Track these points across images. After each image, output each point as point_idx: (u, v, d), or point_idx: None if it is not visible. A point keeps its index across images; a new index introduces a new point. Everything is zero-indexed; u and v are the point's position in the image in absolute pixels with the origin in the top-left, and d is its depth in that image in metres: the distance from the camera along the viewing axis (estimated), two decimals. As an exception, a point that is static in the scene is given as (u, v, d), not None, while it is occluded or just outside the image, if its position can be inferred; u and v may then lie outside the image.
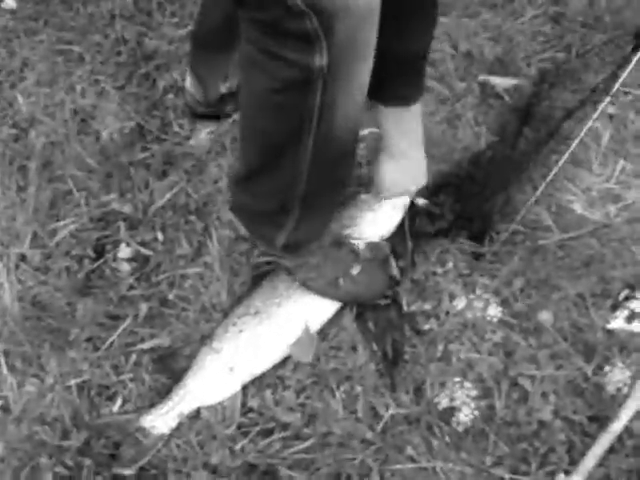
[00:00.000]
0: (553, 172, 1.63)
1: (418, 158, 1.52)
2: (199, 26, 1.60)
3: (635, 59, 1.38)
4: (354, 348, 1.55)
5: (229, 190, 1.57)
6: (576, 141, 1.62)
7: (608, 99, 1.43)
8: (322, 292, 1.51)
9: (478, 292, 1.57)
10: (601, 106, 1.44)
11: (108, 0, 1.94)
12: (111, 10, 1.93)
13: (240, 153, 1.36)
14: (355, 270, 1.50)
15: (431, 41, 1.31)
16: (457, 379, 1.50)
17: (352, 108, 1.16)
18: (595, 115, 1.45)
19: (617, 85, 1.41)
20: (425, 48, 1.31)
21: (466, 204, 1.65)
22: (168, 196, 1.66)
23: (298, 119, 1.14)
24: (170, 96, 1.80)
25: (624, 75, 1.39)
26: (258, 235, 1.51)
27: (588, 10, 2.01)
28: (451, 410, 1.47)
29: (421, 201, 1.63)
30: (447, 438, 1.46)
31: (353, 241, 1.58)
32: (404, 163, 1.50)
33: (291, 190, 1.29)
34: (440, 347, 1.54)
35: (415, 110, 1.40)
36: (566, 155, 1.63)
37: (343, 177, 1.37)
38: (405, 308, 1.59)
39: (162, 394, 1.49)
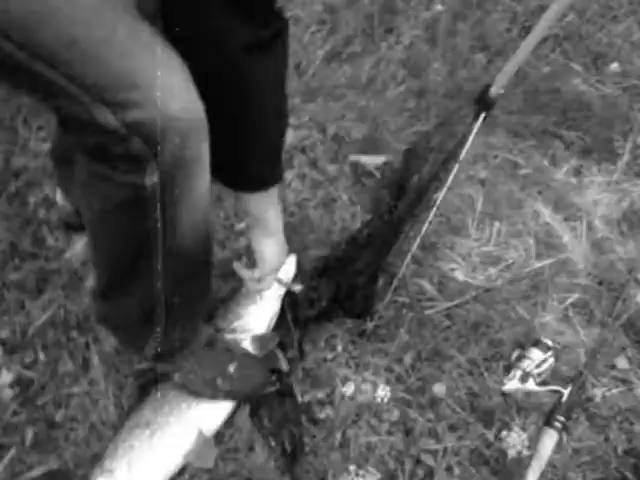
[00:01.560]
0: (417, 239, 1.65)
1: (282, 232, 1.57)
2: (56, 143, 1.59)
3: (477, 126, 1.42)
4: (251, 448, 1.51)
5: (93, 303, 1.54)
6: (433, 209, 1.65)
7: (457, 166, 1.46)
8: (201, 394, 1.49)
9: (366, 374, 1.56)
10: (452, 172, 1.47)
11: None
12: (-26, 132, 1.90)
13: (93, 271, 1.34)
14: (231, 368, 1.48)
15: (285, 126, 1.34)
16: (356, 467, 1.47)
17: (197, 218, 1.16)
18: (448, 181, 1.48)
19: (464, 151, 1.44)
20: (280, 134, 1.34)
21: (345, 284, 1.65)
22: (46, 315, 1.61)
23: (140, 239, 1.14)
24: (42, 211, 1.77)
25: (468, 142, 1.43)
26: (128, 345, 1.49)
27: (448, 81, 2.09)
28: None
29: (297, 287, 1.63)
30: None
31: (240, 336, 1.57)
32: (280, 238, 1.54)
33: (149, 302, 1.28)
34: (338, 435, 1.53)
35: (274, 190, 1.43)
36: (427, 221, 1.65)
37: (203, 283, 1.37)
38: (300, 399, 1.57)
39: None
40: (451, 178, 1.46)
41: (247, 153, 1.28)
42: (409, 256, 1.60)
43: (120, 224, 1.12)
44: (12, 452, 1.48)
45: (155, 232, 1.11)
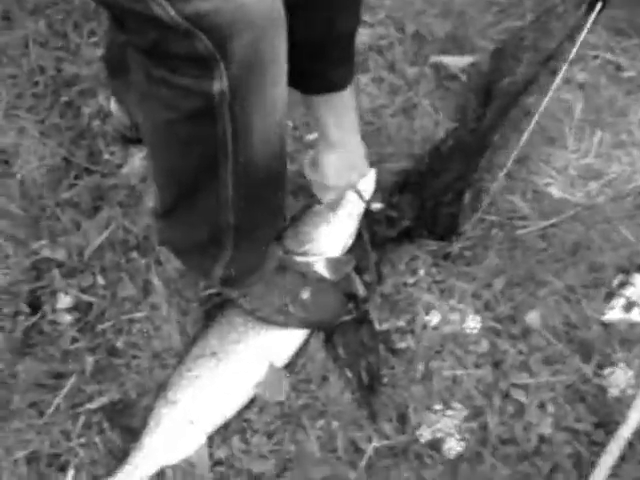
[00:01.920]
0: (514, 152, 1.47)
1: (356, 146, 1.40)
2: (108, 49, 1.44)
3: (591, 19, 1.21)
4: (325, 378, 1.40)
5: (155, 224, 1.42)
6: (535, 117, 1.46)
7: (565, 66, 1.26)
8: (271, 321, 1.38)
9: (452, 302, 1.41)
10: (559, 74, 1.27)
11: (19, 28, 1.77)
12: (24, 37, 1.76)
13: (155, 190, 1.21)
14: (304, 294, 1.36)
15: (358, 19, 1.20)
16: (439, 404, 1.34)
17: (270, 130, 1.02)
18: (553, 85, 1.29)
19: (574, 50, 1.24)
20: (352, 27, 1.20)
21: (429, 201, 1.49)
22: (104, 235, 1.50)
23: (208, 152, 1.01)
24: (97, 123, 1.64)
25: (580, 38, 1.22)
26: (193, 269, 1.39)
27: (542, -29, 1.85)
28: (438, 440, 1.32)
29: (376, 205, 1.47)
30: (440, 467, 1.31)
31: (312, 259, 1.43)
32: (343, 153, 1.38)
33: (218, 222, 1.16)
34: (420, 366, 1.39)
35: (348, 95, 1.25)
36: (526, 133, 1.47)
37: (276, 203, 1.23)
38: (377, 327, 1.43)
39: (119, 457, 1.33)
40: (558, 81, 1.26)
41: (312, 50, 1.14)
42: (505, 171, 1.41)
43: (184, 136, 0.99)
44: (72, 381, 1.40)
45: (224, 145, 0.98)
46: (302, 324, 1.39)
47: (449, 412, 1.34)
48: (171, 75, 0.89)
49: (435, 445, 1.32)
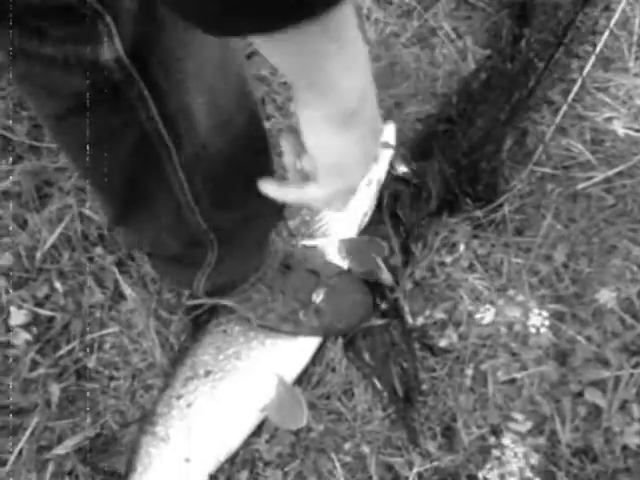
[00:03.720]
0: (578, 83, 1.15)
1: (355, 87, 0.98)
2: None
3: None
4: (349, 392, 1.13)
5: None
6: (605, 35, 1.13)
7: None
8: (280, 331, 1.11)
9: (502, 281, 1.11)
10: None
11: None
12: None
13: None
14: (318, 297, 1.06)
15: None
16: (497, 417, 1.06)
17: (221, 98, 0.70)
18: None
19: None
20: None
21: (464, 155, 1.17)
22: (58, 231, 1.19)
23: (138, 145, 0.70)
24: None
25: None
26: (173, 283, 1.11)
27: None
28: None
29: (401, 168, 1.16)
30: (501, 494, 1.04)
31: (322, 242, 1.13)
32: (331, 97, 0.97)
33: (188, 227, 0.86)
34: (469, 369, 1.10)
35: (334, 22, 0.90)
36: (594, 54, 1.15)
37: (258, 192, 0.91)
38: (410, 321, 1.14)
39: (101, 513, 1.07)
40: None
41: None
42: (563, 111, 1.09)
43: (92, 132, 0.66)
44: (35, 419, 1.12)
45: (155, 131, 0.67)
46: (318, 332, 1.11)
47: (510, 425, 1.06)
48: (41, 44, 0.57)
49: (495, 468, 1.05)
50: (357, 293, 1.11)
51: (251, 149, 0.83)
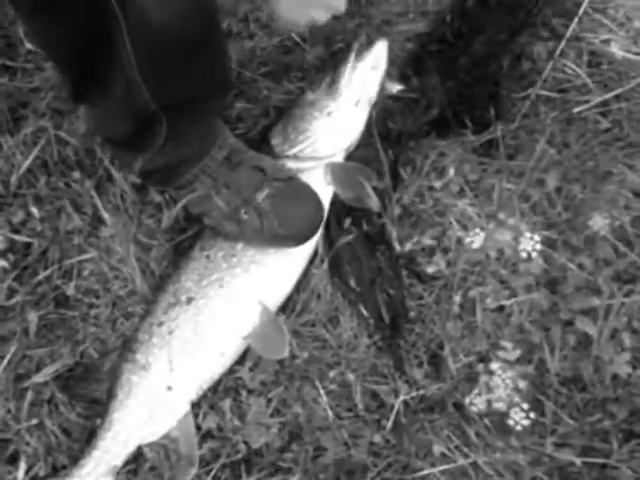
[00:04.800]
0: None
1: None
2: None
3: None
4: (335, 319, 1.11)
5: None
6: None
7: None
8: (223, 233, 1.08)
9: (491, 208, 1.07)
10: None
11: None
12: None
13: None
14: (260, 195, 1.03)
15: None
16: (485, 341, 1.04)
17: None
18: None
19: None
20: None
21: (458, 77, 1.12)
22: (33, 154, 1.14)
23: (88, 24, 0.77)
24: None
25: None
26: (120, 160, 1.12)
27: None
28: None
29: (395, 87, 1.11)
30: (486, 421, 1.03)
31: (307, 165, 1.09)
32: None
33: (138, 107, 0.90)
34: (457, 296, 1.08)
35: None
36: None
37: (208, 73, 0.94)
38: (398, 248, 1.11)
39: (83, 440, 1.05)
40: None
41: None
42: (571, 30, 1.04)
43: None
44: (14, 347, 1.09)
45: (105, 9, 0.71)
46: (261, 237, 1.06)
47: (499, 353, 1.04)
48: None
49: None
50: (306, 202, 1.06)
51: (198, 25, 0.83)
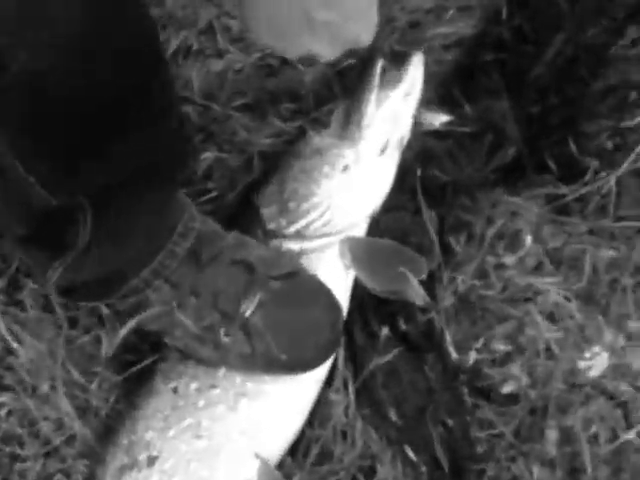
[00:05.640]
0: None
1: None
2: None
3: None
4: (366, 471, 0.76)
5: None
6: None
7: None
8: (194, 356, 0.75)
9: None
10: None
11: None
12: None
13: None
14: (249, 306, 0.71)
15: None
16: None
17: None
18: None
19: None
20: None
21: (533, 96, 0.77)
22: None
23: None
24: None
25: None
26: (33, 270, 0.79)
27: None
28: None
29: (437, 118, 0.76)
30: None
31: (316, 243, 0.75)
32: None
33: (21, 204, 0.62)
34: (551, 429, 0.73)
35: None
36: None
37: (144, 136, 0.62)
38: (454, 356, 0.76)
39: None
40: None
41: None
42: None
43: None
44: None
45: None
46: (251, 363, 0.73)
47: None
48: None
49: None
50: (317, 308, 0.73)
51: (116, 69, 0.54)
